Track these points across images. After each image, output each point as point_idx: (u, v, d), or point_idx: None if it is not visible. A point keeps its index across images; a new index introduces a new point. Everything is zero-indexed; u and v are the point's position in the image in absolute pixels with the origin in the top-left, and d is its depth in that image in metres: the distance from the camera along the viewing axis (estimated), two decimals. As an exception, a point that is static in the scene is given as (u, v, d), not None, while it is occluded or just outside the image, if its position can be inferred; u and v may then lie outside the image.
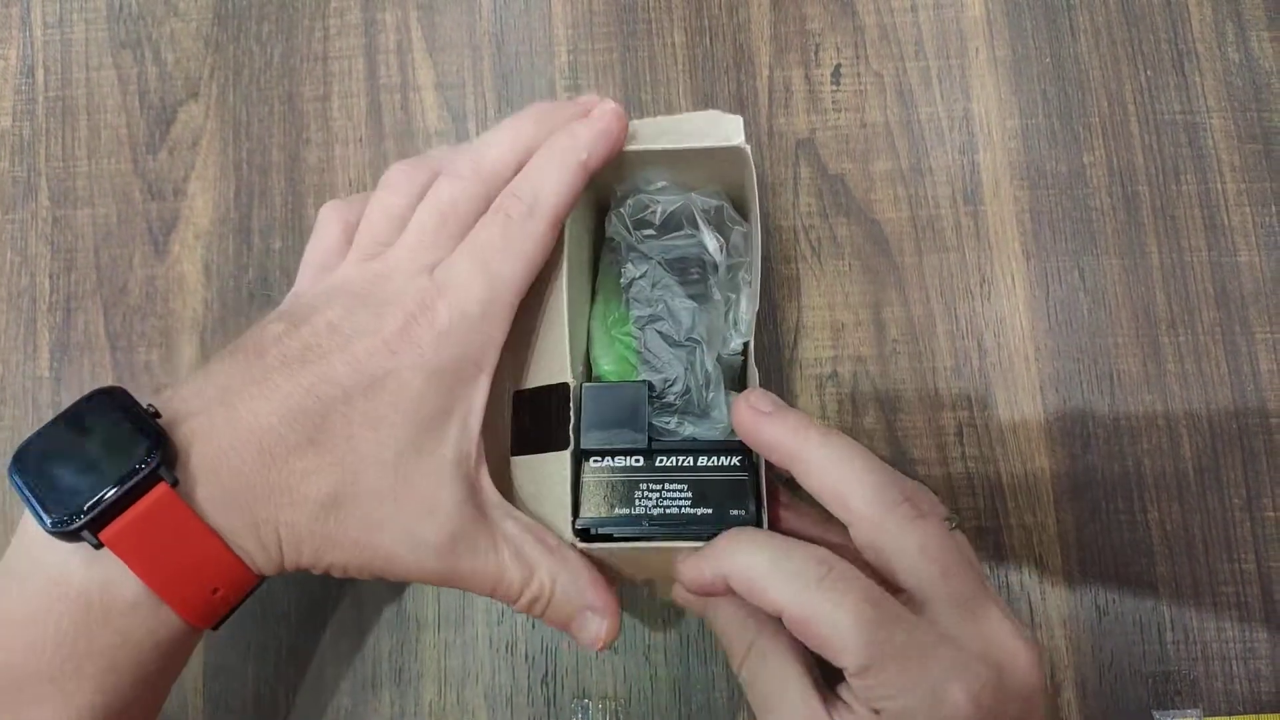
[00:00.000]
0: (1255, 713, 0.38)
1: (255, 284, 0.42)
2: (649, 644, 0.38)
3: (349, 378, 0.29)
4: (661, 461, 0.32)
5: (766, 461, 0.32)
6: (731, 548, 0.30)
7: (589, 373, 0.36)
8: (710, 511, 0.32)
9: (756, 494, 0.32)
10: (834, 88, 0.43)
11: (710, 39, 0.43)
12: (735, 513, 0.31)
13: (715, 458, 0.32)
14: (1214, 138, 0.42)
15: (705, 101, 0.42)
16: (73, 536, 0.27)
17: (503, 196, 0.32)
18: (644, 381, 0.33)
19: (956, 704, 0.27)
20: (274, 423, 0.29)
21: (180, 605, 0.28)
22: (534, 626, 0.39)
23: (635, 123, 0.34)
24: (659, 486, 0.32)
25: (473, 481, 0.31)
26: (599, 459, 0.32)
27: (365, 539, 0.30)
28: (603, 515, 0.32)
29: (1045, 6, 0.43)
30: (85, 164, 0.43)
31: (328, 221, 0.34)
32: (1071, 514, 0.39)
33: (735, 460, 0.32)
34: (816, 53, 0.43)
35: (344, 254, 0.33)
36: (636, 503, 0.32)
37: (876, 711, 0.28)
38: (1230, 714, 0.38)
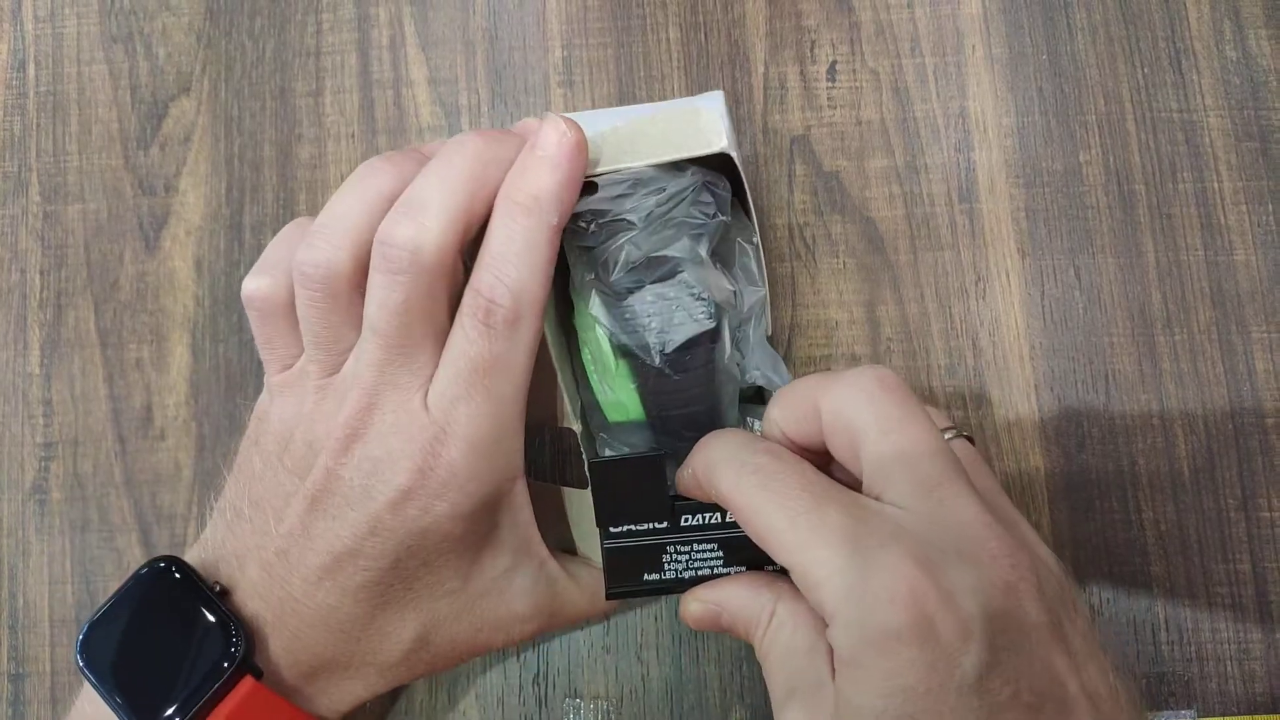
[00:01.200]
0: (1250, 713, 0.37)
1: (247, 280, 0.42)
2: (641, 644, 0.38)
3: (391, 546, 0.28)
4: (687, 521, 0.30)
5: None
6: (705, 441, 0.29)
7: (587, 421, 0.34)
8: (745, 569, 0.30)
9: None
10: (829, 84, 0.42)
11: (705, 35, 0.43)
12: (771, 567, 0.30)
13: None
14: (1211, 136, 0.41)
15: (700, 98, 0.42)
16: None
17: (474, 297, 0.28)
18: (661, 453, 0.30)
19: (894, 589, 0.23)
20: (334, 601, 0.29)
21: None
22: (526, 625, 0.38)
23: (590, 132, 0.29)
24: (687, 548, 0.30)
25: (540, 560, 0.33)
26: (617, 525, 0.31)
27: (459, 651, 0.32)
28: (632, 586, 0.31)
29: (1042, 4, 0.43)
30: (76, 159, 0.43)
31: (265, 315, 0.31)
32: (1066, 513, 0.39)
33: None
34: (812, 49, 0.43)
35: (292, 340, 0.31)
36: (666, 567, 0.31)
37: (828, 622, 0.25)
38: (1225, 715, 0.37)
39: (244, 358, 0.41)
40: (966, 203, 0.41)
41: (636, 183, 0.30)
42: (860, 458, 0.27)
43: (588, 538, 0.36)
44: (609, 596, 0.31)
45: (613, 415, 0.32)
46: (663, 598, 0.38)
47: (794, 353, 0.40)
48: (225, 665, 0.27)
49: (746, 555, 0.30)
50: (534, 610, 0.32)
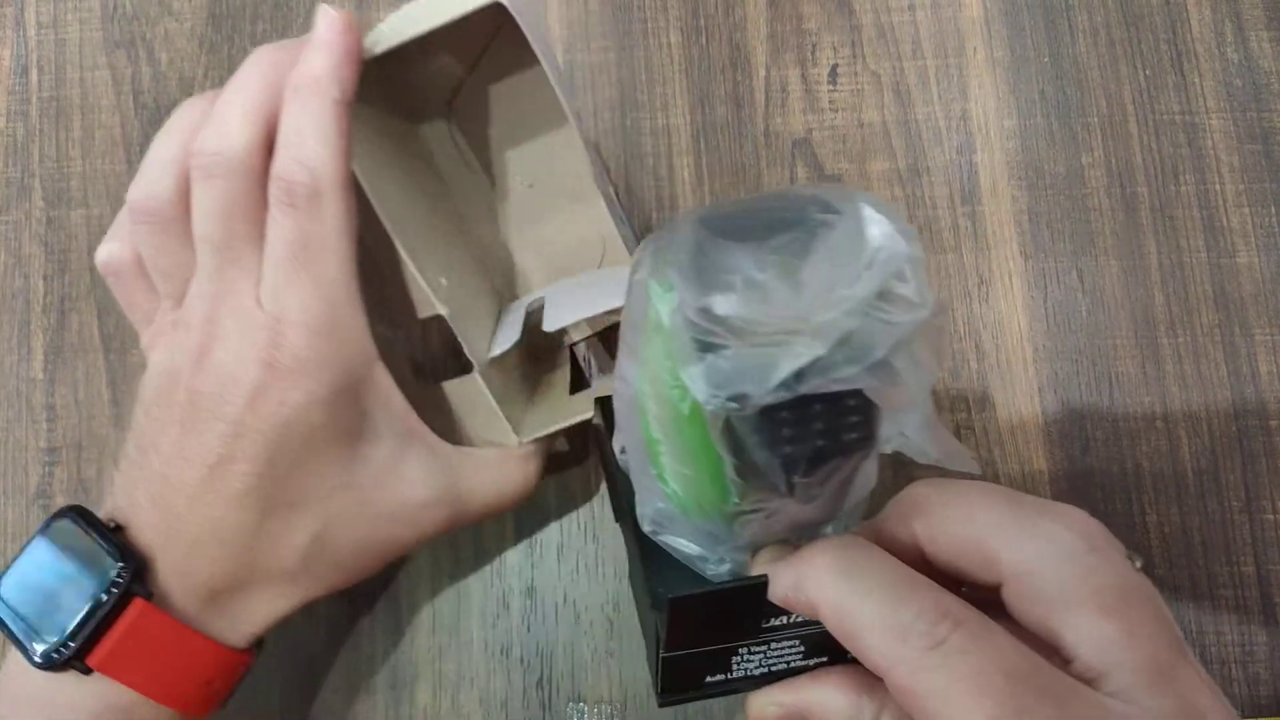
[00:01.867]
0: (1254, 716, 0.37)
1: (249, 285, 0.42)
2: (645, 648, 0.38)
3: (261, 447, 0.29)
4: (768, 623, 0.25)
5: None
6: (825, 567, 0.23)
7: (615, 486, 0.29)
8: (826, 660, 0.26)
9: None
10: (831, 87, 0.42)
11: (706, 39, 0.43)
12: (852, 658, 0.23)
13: None
14: (1213, 138, 0.41)
15: (702, 100, 0.42)
16: (62, 668, 0.28)
17: (275, 183, 0.29)
18: (764, 580, 0.24)
19: None
20: (218, 513, 0.29)
21: (178, 703, 0.29)
22: (529, 629, 0.38)
23: (381, 25, 0.30)
24: (763, 647, 0.25)
25: (427, 444, 0.32)
26: (688, 648, 0.25)
27: (365, 551, 0.31)
28: (690, 693, 0.26)
29: (1044, 6, 0.43)
30: (79, 164, 0.43)
31: (119, 275, 0.32)
32: (1069, 516, 0.39)
33: None
34: (813, 52, 0.43)
35: (150, 294, 0.32)
36: (735, 668, 0.26)
37: None
38: (1229, 718, 0.37)
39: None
40: (969, 205, 0.41)
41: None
42: (1066, 633, 0.22)
43: (486, 427, 0.34)
44: (662, 704, 0.26)
45: (688, 510, 0.24)
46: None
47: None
48: (112, 590, 0.28)
49: (833, 645, 0.23)
50: (435, 496, 0.32)
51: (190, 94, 0.43)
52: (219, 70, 0.43)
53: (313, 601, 0.32)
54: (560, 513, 0.39)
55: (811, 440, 0.21)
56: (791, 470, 0.22)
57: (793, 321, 0.20)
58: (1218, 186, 0.41)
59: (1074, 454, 0.39)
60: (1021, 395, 0.40)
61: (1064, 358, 0.40)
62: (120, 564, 0.28)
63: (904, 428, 0.23)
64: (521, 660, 0.38)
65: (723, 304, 0.20)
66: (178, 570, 0.29)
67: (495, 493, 0.34)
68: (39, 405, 0.41)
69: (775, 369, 0.20)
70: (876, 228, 0.21)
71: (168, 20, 0.44)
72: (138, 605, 0.28)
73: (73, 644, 0.28)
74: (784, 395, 0.20)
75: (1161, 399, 0.40)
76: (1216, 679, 0.37)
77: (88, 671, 0.28)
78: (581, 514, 0.39)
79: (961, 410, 0.39)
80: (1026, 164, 0.41)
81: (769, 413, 0.21)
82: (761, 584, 0.23)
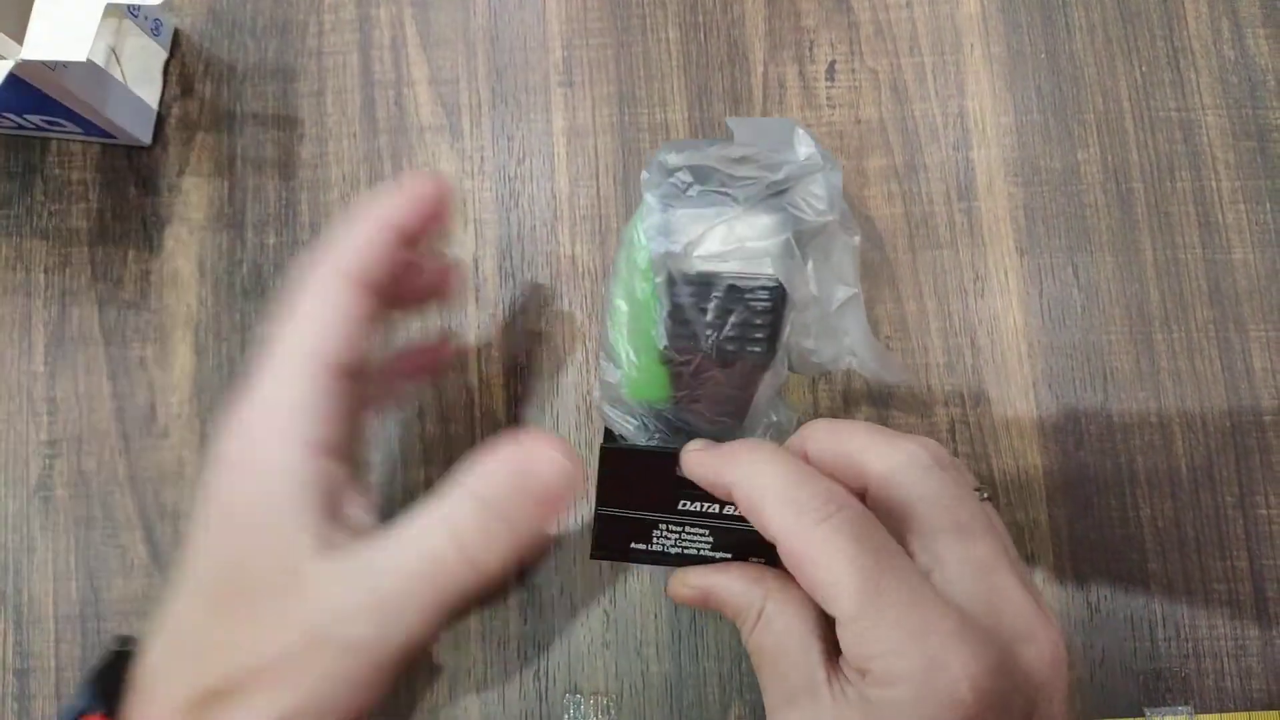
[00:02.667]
0: (1247, 710, 0.38)
1: (249, 280, 0.42)
2: (641, 640, 0.38)
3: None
4: (684, 506, 0.30)
5: None
6: (745, 457, 0.27)
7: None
8: (730, 557, 0.30)
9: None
10: (828, 84, 0.42)
11: (704, 35, 0.43)
12: (756, 559, 0.30)
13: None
14: (1209, 135, 0.42)
15: (700, 96, 0.42)
16: None
17: None
18: (673, 450, 0.29)
19: (953, 681, 0.23)
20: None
21: None
22: (526, 621, 0.39)
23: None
24: (679, 529, 0.30)
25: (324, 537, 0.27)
26: (615, 509, 0.31)
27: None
28: (618, 552, 0.31)
29: (1041, 3, 0.43)
30: (80, 158, 0.43)
31: None
32: (1064, 511, 0.39)
33: None
34: (811, 49, 0.43)
35: None
36: (655, 541, 0.31)
37: (863, 673, 0.25)
38: (1221, 711, 0.38)
39: (246, 356, 0.41)
40: (965, 201, 0.41)
41: (750, 157, 0.28)
42: (910, 530, 0.27)
43: None
44: (594, 557, 0.31)
45: (634, 392, 0.30)
46: (661, 601, 0.38)
47: (793, 351, 0.41)
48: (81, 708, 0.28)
49: (733, 543, 0.30)
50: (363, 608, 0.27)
51: (190, 90, 0.43)
52: (219, 66, 0.44)
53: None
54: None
55: (730, 303, 0.28)
56: (712, 326, 0.28)
57: (722, 189, 0.28)
58: (1213, 183, 0.41)
59: (1068, 449, 0.39)
60: (1016, 390, 0.40)
61: (1059, 353, 0.40)
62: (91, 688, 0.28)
63: (834, 332, 0.29)
64: (518, 652, 0.39)
65: (675, 159, 0.28)
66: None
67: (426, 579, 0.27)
68: (40, 398, 0.41)
69: (707, 224, 0.28)
70: (804, 146, 0.28)
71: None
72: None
73: None
74: (712, 250, 0.28)
75: (1156, 394, 0.40)
76: (1209, 674, 0.38)
77: None
78: (579, 507, 0.40)
79: (956, 405, 0.40)
80: (1023, 160, 0.42)
81: (701, 279, 0.28)
82: (674, 451, 0.29)
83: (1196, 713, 0.38)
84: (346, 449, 0.28)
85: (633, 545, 0.31)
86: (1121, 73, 0.42)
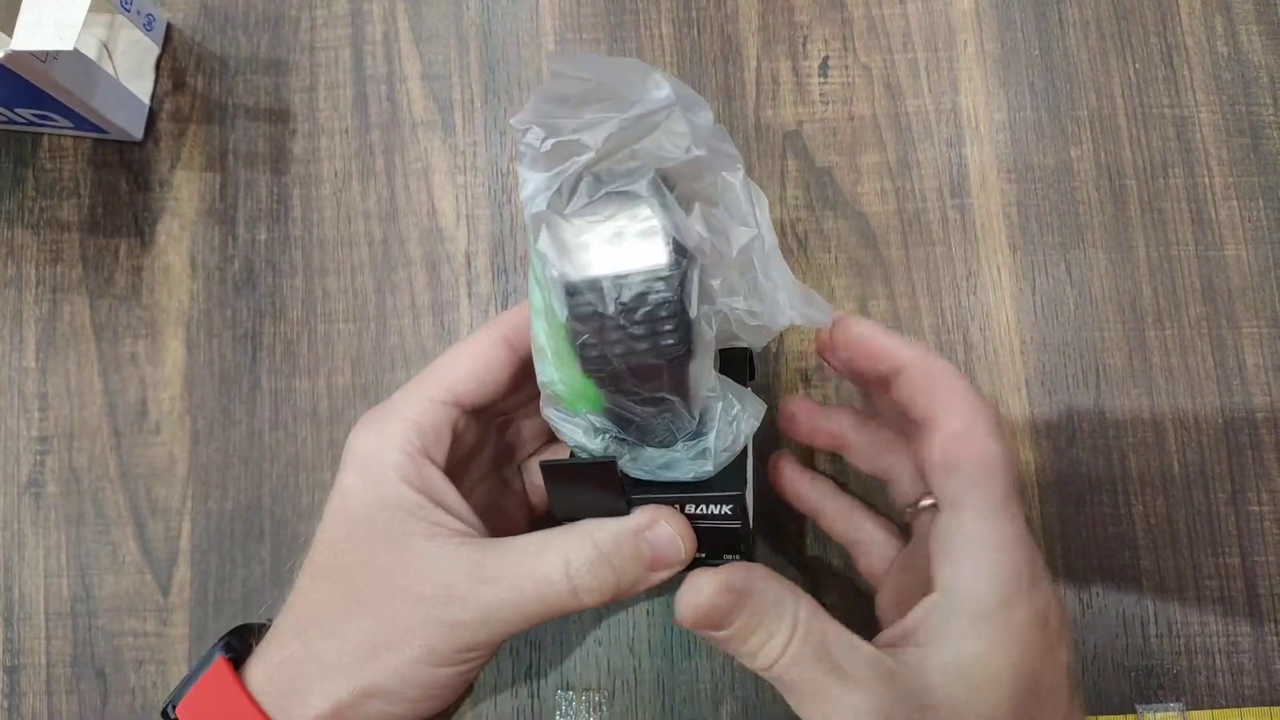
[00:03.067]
0: (1238, 706, 0.38)
1: (240, 275, 0.42)
2: (633, 637, 0.38)
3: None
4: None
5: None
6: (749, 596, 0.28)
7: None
8: (703, 556, 0.30)
9: (747, 538, 0.30)
10: (822, 80, 0.42)
11: (698, 30, 0.43)
12: (729, 556, 0.30)
13: (703, 506, 0.29)
14: (1202, 132, 0.42)
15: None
16: (165, 716, 0.31)
17: None
18: (612, 459, 0.29)
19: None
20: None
21: None
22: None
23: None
24: None
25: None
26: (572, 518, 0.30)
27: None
28: None
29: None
30: (71, 153, 0.43)
31: None
32: (1056, 508, 0.39)
33: (726, 509, 0.29)
34: (804, 45, 0.43)
35: None
36: None
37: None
38: (1213, 708, 0.38)
39: (238, 352, 0.41)
40: (958, 198, 0.41)
41: (598, 90, 0.25)
42: (934, 440, 0.29)
43: None
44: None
45: (570, 405, 0.29)
46: (654, 598, 0.38)
47: (785, 347, 0.41)
48: (211, 655, 0.31)
49: (704, 546, 0.29)
50: (461, 583, 0.30)
51: (182, 85, 0.43)
52: (210, 61, 0.43)
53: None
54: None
55: (628, 304, 0.25)
56: (618, 336, 0.26)
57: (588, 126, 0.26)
58: (1206, 180, 0.41)
59: (1060, 445, 0.39)
60: (1009, 387, 0.40)
61: (1051, 350, 0.40)
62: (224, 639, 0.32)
63: (753, 285, 0.27)
64: (510, 649, 0.38)
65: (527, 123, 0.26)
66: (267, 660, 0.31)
67: (532, 591, 0.30)
68: (31, 394, 0.41)
69: (573, 163, 0.26)
70: (658, 90, 0.25)
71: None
72: (219, 664, 0.30)
73: (175, 694, 0.31)
74: (593, 254, 0.26)
75: (1148, 391, 0.40)
76: (1201, 670, 0.38)
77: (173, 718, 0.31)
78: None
79: (949, 402, 0.40)
80: (1016, 157, 0.42)
81: (589, 286, 0.26)
82: (611, 460, 0.29)
83: (1188, 709, 0.38)
84: (456, 469, 0.32)
85: None
86: (1115, 69, 0.42)
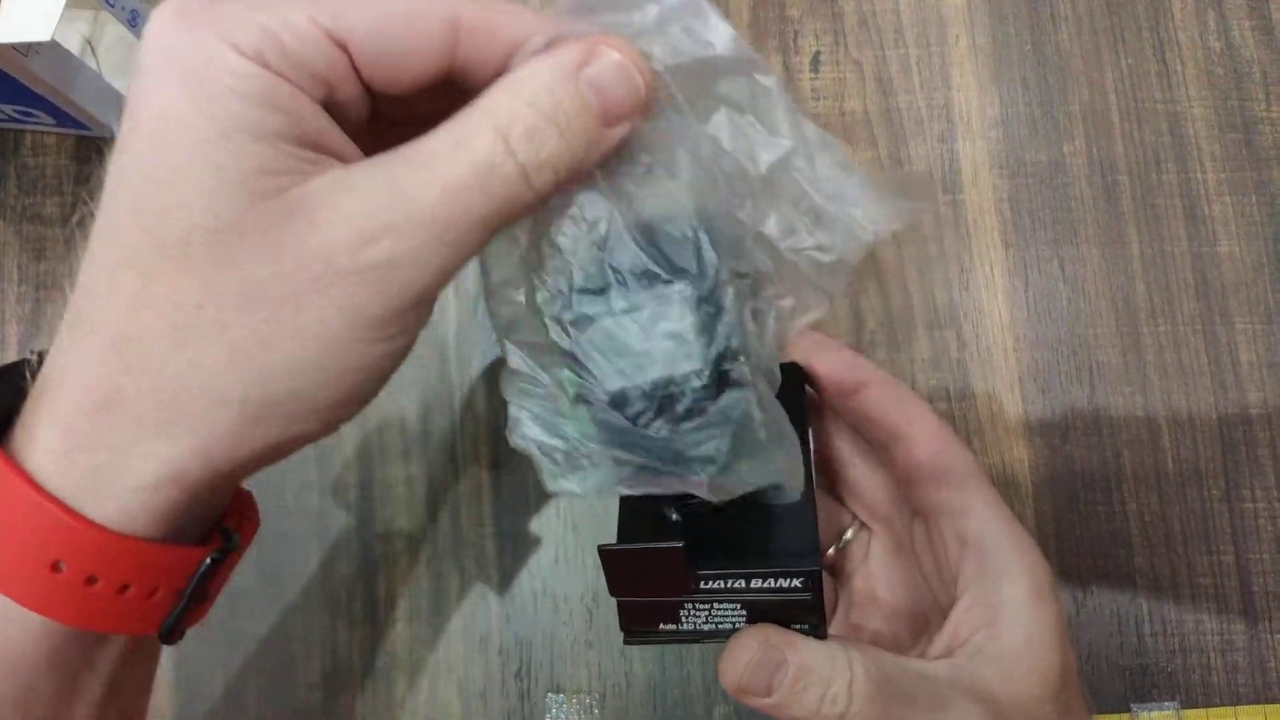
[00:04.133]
0: (1232, 704, 0.37)
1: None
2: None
3: None
4: (707, 585, 0.26)
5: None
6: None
7: None
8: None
9: (819, 609, 0.27)
10: (813, 75, 0.42)
11: (688, 26, 0.43)
12: (799, 627, 0.27)
13: (771, 580, 0.26)
14: (1195, 127, 0.41)
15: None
16: None
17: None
18: (680, 546, 0.25)
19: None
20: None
21: (15, 589, 0.20)
22: (508, 620, 0.38)
23: None
24: (706, 607, 0.27)
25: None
26: (631, 596, 0.27)
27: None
28: (649, 635, 0.28)
29: (1026, -6, 0.43)
30: (54, 150, 0.42)
31: None
32: (1050, 505, 0.39)
33: (796, 583, 0.26)
34: (795, 40, 0.42)
35: None
36: (684, 620, 0.27)
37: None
38: (1207, 706, 0.37)
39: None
40: (950, 194, 0.41)
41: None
42: (915, 447, 0.30)
43: None
44: (627, 642, 0.28)
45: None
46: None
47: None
48: None
49: (769, 611, 0.27)
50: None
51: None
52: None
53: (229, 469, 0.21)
54: (539, 504, 0.39)
55: (667, 416, 0.23)
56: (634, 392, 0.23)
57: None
58: (1199, 175, 0.41)
59: (1054, 443, 0.39)
60: (1002, 384, 0.40)
61: (1044, 346, 0.40)
62: None
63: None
64: (500, 650, 0.38)
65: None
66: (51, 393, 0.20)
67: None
68: (13, 394, 0.41)
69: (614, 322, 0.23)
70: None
71: (140, 4, 0.43)
72: None
73: None
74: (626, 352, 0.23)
75: (1142, 388, 0.39)
76: (1195, 669, 0.37)
77: None
78: (561, 504, 0.39)
79: (941, 399, 0.39)
80: (1008, 152, 0.41)
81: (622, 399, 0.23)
82: (679, 547, 0.25)
83: (1182, 708, 0.37)
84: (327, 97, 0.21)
85: (662, 625, 0.28)
86: (1108, 64, 0.42)
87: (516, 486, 0.39)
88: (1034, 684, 0.27)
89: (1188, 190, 0.41)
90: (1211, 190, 0.41)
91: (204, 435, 0.20)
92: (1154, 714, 0.37)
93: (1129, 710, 0.37)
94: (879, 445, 0.32)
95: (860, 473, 0.33)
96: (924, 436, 0.30)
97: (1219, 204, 0.41)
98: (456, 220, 0.20)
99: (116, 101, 0.42)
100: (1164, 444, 0.39)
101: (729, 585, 0.26)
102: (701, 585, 0.26)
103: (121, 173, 0.20)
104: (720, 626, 0.27)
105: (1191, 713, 0.37)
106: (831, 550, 0.34)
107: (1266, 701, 0.37)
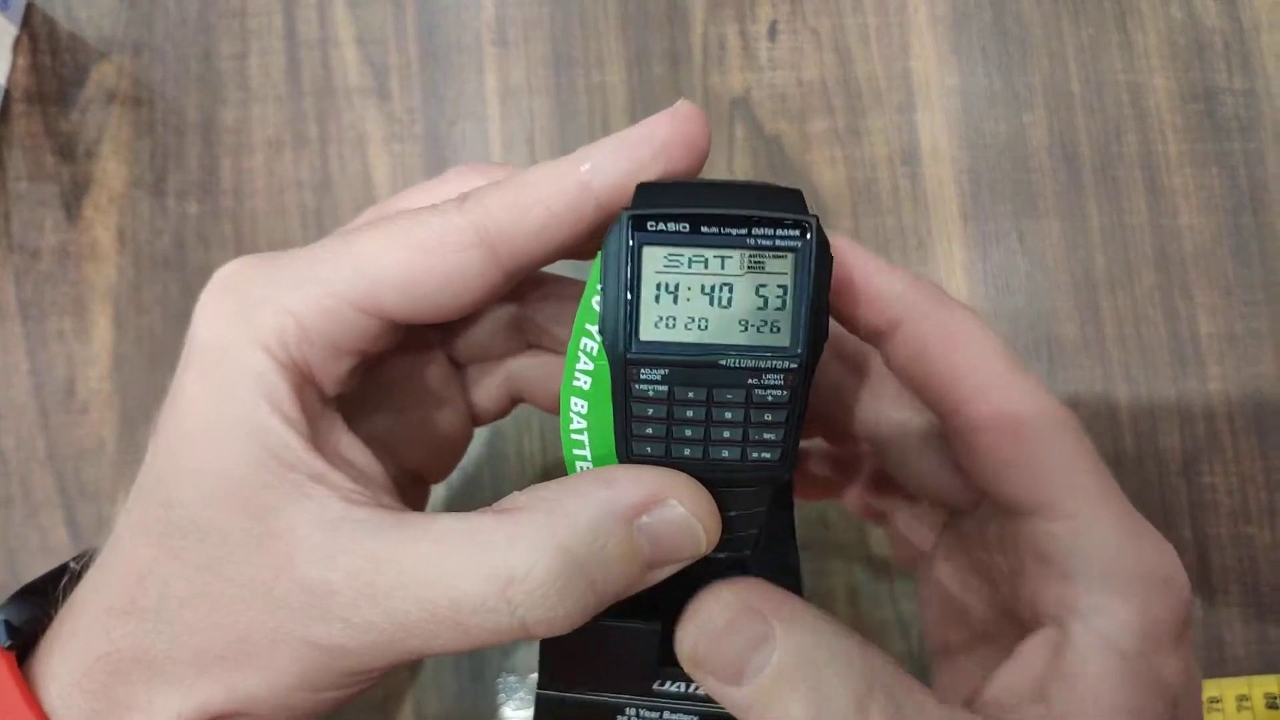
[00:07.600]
0: (1189, 679, 0.37)
1: (170, 250, 0.40)
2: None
3: None
4: (662, 686, 0.22)
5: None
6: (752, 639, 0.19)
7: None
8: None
9: None
10: (770, 44, 0.41)
11: (643, -6, 0.42)
12: None
13: None
14: (1156, 98, 0.41)
15: (638, 58, 0.41)
16: None
17: None
18: (657, 629, 0.21)
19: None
20: None
21: None
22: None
23: None
24: (655, 715, 0.22)
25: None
26: (568, 691, 0.23)
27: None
28: None
29: (987, -38, 0.42)
30: (-7, 125, 0.41)
31: None
32: (1007, 481, 0.38)
33: None
34: (752, 7, 0.41)
35: None
36: None
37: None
38: (1164, 681, 0.37)
39: (168, 329, 0.40)
40: (909, 166, 0.40)
41: None
42: (981, 426, 0.22)
43: None
44: None
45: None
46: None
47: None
48: None
49: None
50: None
51: (109, 54, 0.42)
52: (138, 27, 0.42)
53: None
54: (495, 484, 0.39)
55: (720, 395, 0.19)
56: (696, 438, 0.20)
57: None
58: (1160, 147, 0.40)
59: (1012, 418, 0.39)
60: (960, 359, 0.39)
61: (1003, 320, 0.39)
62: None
63: None
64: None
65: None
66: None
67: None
68: (-47, 374, 0.40)
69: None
70: None
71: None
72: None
73: None
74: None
75: (1101, 361, 0.39)
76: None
77: None
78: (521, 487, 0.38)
79: (897, 374, 0.39)
80: (967, 123, 0.41)
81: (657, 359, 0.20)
82: (656, 630, 0.20)
83: (1138, 682, 0.37)
84: (347, 393, 0.22)
85: None
86: (1068, 34, 0.41)
87: (474, 469, 0.38)
88: None
89: (1148, 162, 0.40)
90: (1173, 162, 0.40)
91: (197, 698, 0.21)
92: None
93: (1084, 685, 0.37)
94: (931, 408, 0.23)
95: (912, 447, 0.25)
96: (996, 408, 0.21)
97: (1180, 176, 0.40)
98: (417, 640, 0.19)
99: None
100: (1122, 418, 0.39)
101: (690, 689, 0.22)
102: (657, 685, 0.22)
103: (155, 454, 0.21)
104: None
105: (1147, 687, 0.37)
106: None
107: (1221, 675, 0.37)
